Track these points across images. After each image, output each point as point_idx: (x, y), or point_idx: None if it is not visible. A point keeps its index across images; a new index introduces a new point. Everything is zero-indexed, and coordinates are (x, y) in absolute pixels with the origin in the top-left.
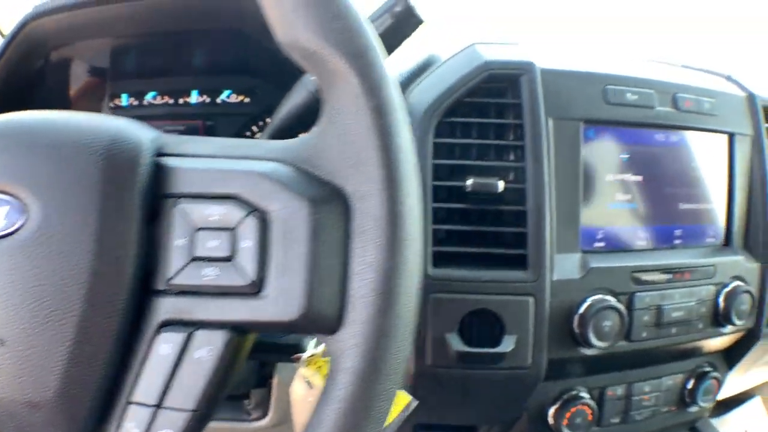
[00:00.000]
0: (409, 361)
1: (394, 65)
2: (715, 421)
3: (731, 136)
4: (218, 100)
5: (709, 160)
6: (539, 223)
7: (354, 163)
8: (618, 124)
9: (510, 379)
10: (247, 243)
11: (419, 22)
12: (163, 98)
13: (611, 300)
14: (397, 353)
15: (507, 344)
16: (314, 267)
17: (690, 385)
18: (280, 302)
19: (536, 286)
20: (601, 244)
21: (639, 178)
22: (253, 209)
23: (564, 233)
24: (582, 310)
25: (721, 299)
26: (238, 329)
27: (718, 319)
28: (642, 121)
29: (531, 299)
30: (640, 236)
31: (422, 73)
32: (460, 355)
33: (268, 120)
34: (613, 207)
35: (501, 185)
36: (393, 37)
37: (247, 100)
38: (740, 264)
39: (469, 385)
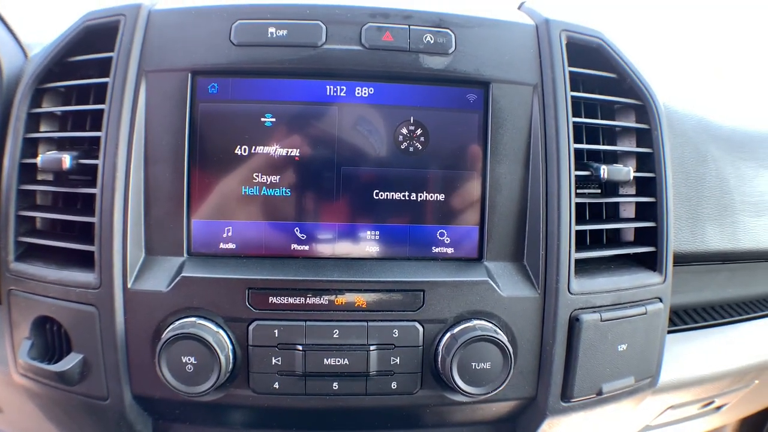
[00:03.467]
0: None
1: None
2: None
3: (486, 88)
4: None
5: (447, 126)
6: (110, 212)
7: None
8: (252, 74)
9: (89, 410)
10: None
11: None
12: None
13: (207, 328)
14: None
15: (66, 362)
16: None
17: None
18: None
19: (101, 295)
20: (230, 246)
21: (295, 151)
22: None
23: (160, 228)
24: (164, 335)
25: (441, 348)
26: None
27: (441, 379)
28: (295, 67)
29: (95, 311)
30: (296, 237)
31: None
32: (24, 367)
33: None
34: (250, 193)
35: (67, 160)
36: None
37: None
38: (491, 294)
39: (63, 408)
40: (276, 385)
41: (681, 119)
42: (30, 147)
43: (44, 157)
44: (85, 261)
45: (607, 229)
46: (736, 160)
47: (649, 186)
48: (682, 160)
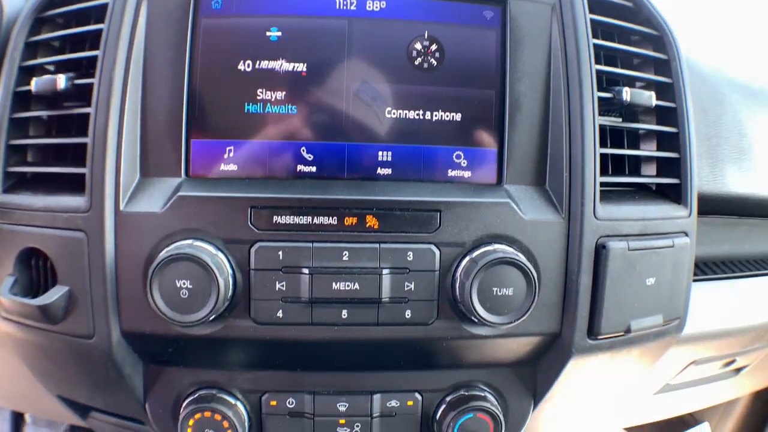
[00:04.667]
0: None
1: None
2: None
3: (504, 4)
4: None
5: (463, 43)
6: (103, 131)
7: None
8: None
9: (74, 354)
10: None
11: None
12: None
13: (205, 250)
14: None
15: (50, 296)
16: None
17: (438, 414)
18: None
19: (90, 219)
20: (231, 167)
21: (302, 66)
22: None
23: (156, 148)
24: (156, 261)
25: (460, 273)
26: None
27: (458, 308)
28: None
29: (83, 237)
30: (302, 157)
31: None
32: (6, 307)
33: None
34: (254, 110)
35: (62, 80)
36: None
37: None
38: (512, 216)
39: (46, 353)
40: (280, 314)
41: (697, 62)
42: (26, 77)
43: (38, 80)
44: (76, 188)
45: (628, 164)
46: (753, 105)
47: (669, 117)
48: (698, 99)
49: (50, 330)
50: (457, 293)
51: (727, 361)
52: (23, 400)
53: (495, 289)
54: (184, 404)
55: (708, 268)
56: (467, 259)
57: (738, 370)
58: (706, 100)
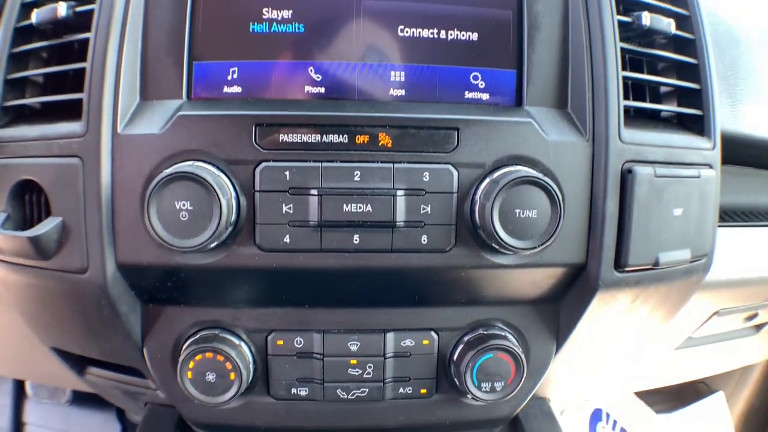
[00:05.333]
0: None
1: None
2: (667, 417)
3: None
4: None
5: None
6: (102, 54)
7: None
8: None
9: (66, 293)
10: None
11: None
12: None
13: (206, 169)
14: None
15: (41, 227)
16: None
17: (456, 354)
18: None
19: (86, 143)
20: (235, 89)
21: None
22: None
23: (157, 71)
24: (153, 183)
25: (480, 195)
26: None
27: (478, 234)
28: None
29: (78, 163)
30: (311, 78)
31: None
32: None
33: None
34: (259, 30)
35: (62, 8)
36: None
37: None
38: (534, 137)
39: (40, 296)
40: (287, 239)
41: (713, 6)
42: (26, 12)
43: (39, 11)
44: (74, 118)
45: (649, 98)
46: None
47: (688, 48)
48: (715, 38)
49: (43, 267)
50: (477, 217)
51: (749, 314)
52: (22, 364)
53: (518, 210)
54: (185, 346)
55: (728, 217)
56: (487, 180)
57: (759, 327)
58: (723, 40)
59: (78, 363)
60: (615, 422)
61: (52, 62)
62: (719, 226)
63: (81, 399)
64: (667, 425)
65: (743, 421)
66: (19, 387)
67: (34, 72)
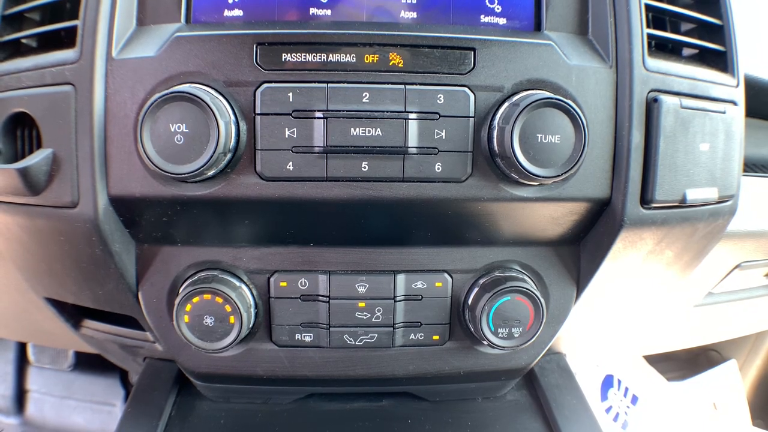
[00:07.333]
0: None
1: None
2: (678, 385)
3: None
4: None
5: None
6: None
7: None
8: None
9: (57, 232)
10: None
11: None
12: None
13: (203, 90)
14: None
15: (31, 158)
16: None
17: (471, 298)
18: None
19: (79, 69)
20: (236, 13)
21: None
22: None
23: None
24: (147, 105)
25: (498, 119)
26: None
27: (497, 163)
28: None
29: (71, 90)
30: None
31: None
32: None
33: None
34: None
35: None
36: None
37: None
38: (555, 60)
39: (31, 237)
40: (290, 166)
41: None
42: None
43: None
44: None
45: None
46: None
47: None
48: None
49: (33, 204)
50: (495, 143)
51: None
52: (21, 323)
53: (539, 135)
54: (182, 288)
55: (749, 168)
56: (506, 104)
57: None
58: None
59: (73, 315)
60: (627, 389)
61: (48, 12)
62: (744, 175)
63: (83, 364)
64: (679, 392)
65: (755, 390)
66: (21, 354)
67: (30, 5)
